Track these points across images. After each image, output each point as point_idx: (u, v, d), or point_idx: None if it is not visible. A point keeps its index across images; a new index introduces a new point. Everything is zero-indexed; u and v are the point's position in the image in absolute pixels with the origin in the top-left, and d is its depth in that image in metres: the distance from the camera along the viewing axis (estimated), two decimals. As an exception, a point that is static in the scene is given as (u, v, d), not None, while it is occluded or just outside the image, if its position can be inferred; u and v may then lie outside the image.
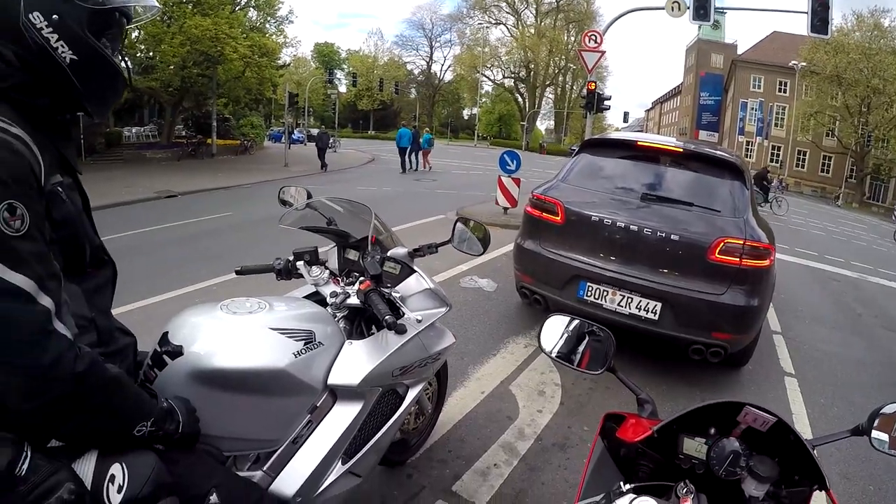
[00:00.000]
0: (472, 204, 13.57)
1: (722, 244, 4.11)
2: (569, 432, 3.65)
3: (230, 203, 13.78)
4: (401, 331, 2.00)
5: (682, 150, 4.78)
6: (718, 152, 4.88)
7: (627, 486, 1.36)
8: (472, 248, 2.75)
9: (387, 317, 1.97)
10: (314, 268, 2.46)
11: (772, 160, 46.29)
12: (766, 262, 4.21)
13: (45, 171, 1.27)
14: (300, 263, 2.46)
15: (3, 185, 1.13)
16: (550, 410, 3.92)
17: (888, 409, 1.36)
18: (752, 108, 47.03)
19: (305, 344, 1.91)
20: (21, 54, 1.27)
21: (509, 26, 74.56)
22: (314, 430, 1.99)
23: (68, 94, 1.36)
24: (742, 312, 4.14)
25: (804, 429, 3.75)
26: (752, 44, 56.17)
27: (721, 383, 4.54)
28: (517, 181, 11.69)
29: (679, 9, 13.72)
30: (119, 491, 1.28)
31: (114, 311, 1.60)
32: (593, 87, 14.93)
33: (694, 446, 1.40)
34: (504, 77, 77.67)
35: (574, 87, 73.18)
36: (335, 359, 2.03)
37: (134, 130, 28.96)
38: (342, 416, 2.03)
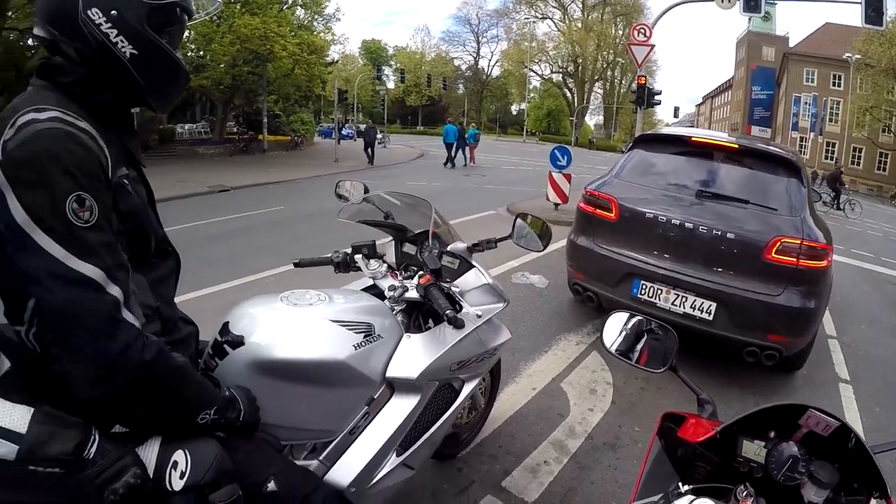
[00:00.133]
0: (523, 200, 13.47)
1: (779, 243, 3.99)
2: (619, 432, 3.60)
3: (282, 197, 14.00)
4: (460, 325, 1.98)
5: (737, 146, 4.66)
6: (774, 148, 4.74)
7: (686, 487, 1.33)
8: (533, 244, 2.71)
9: (447, 311, 1.96)
10: (372, 261, 2.47)
11: (826, 157, 44.70)
12: (824, 263, 4.07)
13: (111, 163, 1.29)
14: (358, 257, 2.48)
15: (71, 178, 1.16)
16: (602, 409, 3.87)
17: None
18: (806, 103, 45.54)
19: (365, 336, 1.92)
20: (81, 50, 1.30)
21: (556, 21, 73.99)
22: (371, 421, 1.99)
23: (130, 88, 1.38)
24: (798, 315, 4.01)
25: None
26: (804, 36, 53.84)
27: (774, 388, 4.40)
28: (568, 177, 11.58)
29: (729, 0, 13.39)
30: (181, 477, 1.30)
31: (170, 301, 1.63)
32: (643, 82, 14.73)
33: (753, 449, 1.36)
34: (552, 72, 77.22)
35: (623, 82, 72.30)
36: (394, 352, 2.04)
37: (186, 127, 29.79)
38: (399, 409, 2.04)
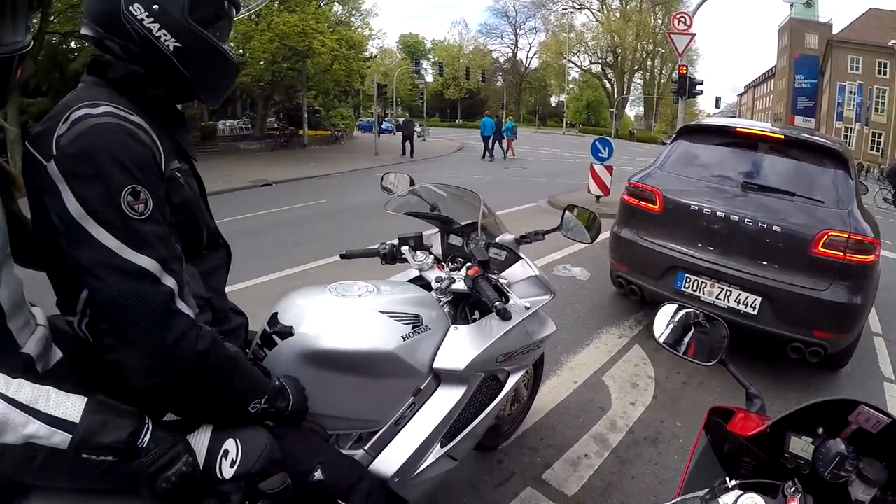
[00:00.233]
0: (564, 192, 13.41)
1: (825, 237, 3.88)
2: (661, 426, 3.56)
3: (323, 191, 14.16)
4: (508, 317, 1.97)
5: (782, 136, 4.56)
6: (820, 139, 4.60)
7: (733, 483, 1.32)
8: (581, 236, 2.70)
9: (496, 303, 1.95)
10: (419, 253, 2.48)
11: (872, 148, 43.28)
12: (871, 258, 3.94)
13: (164, 156, 1.31)
14: (405, 248, 2.49)
15: (126, 171, 1.18)
16: (643, 403, 3.84)
17: None
18: (851, 92, 44.20)
19: (413, 328, 1.92)
20: (126, 46, 1.32)
21: (594, 10, 73.22)
22: (417, 412, 2.00)
23: (180, 82, 1.39)
24: (844, 310, 3.89)
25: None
26: (847, 22, 52.09)
27: (817, 385, 4.28)
28: (609, 169, 11.43)
29: (770, -14, 13.04)
30: (232, 465, 1.31)
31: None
32: (685, 71, 14.48)
33: (801, 445, 1.33)
34: (591, 63, 76.50)
35: (663, 72, 71.25)
36: (441, 343, 2.04)
37: (228, 123, 30.18)
38: (445, 400, 2.04)
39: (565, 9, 73.50)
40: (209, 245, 1.55)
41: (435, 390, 2.05)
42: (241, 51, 24.74)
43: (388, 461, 1.92)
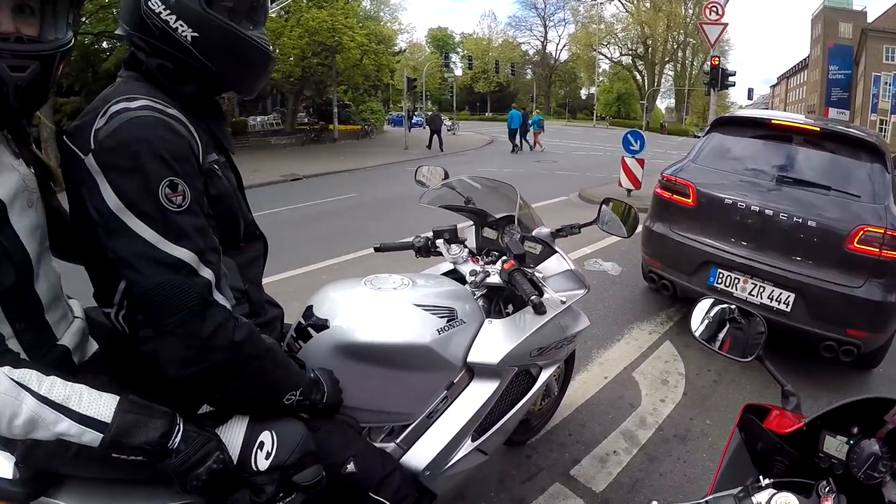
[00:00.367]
0: (594, 186, 13.30)
1: (861, 233, 3.76)
2: (690, 424, 3.51)
3: (353, 185, 14.23)
4: (542, 311, 1.97)
5: (818, 128, 4.42)
6: (856, 132, 4.48)
7: (767, 481, 1.30)
8: (617, 230, 2.66)
9: (532, 297, 1.94)
10: (453, 246, 2.47)
11: (908, 141, 42.17)
12: None
13: (201, 149, 1.32)
14: (440, 241, 2.49)
15: (164, 163, 1.19)
16: (673, 400, 3.79)
17: None
18: (886, 83, 43.02)
19: (448, 321, 1.93)
20: (150, 42, 1.33)
21: (624, 1, 72.39)
22: (449, 406, 2.00)
23: (208, 74, 1.38)
24: (879, 309, 3.78)
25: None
26: (883, 10, 50.27)
27: (849, 385, 4.16)
28: (641, 162, 11.26)
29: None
30: (267, 457, 1.32)
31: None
32: (717, 62, 14.18)
33: (835, 445, 1.30)
34: (621, 54, 75.92)
35: (694, 63, 70.26)
36: (475, 337, 2.04)
37: (258, 119, 30.54)
38: (478, 394, 2.04)
39: (594, 0, 72.92)
40: (246, 237, 1.56)
41: (468, 384, 2.04)
42: (271, 47, 24.99)
43: (420, 455, 1.92)
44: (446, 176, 2.80)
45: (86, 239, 1.29)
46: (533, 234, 2.48)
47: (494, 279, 2.22)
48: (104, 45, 20.52)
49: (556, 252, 2.49)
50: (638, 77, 74.95)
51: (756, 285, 4.13)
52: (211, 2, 1.32)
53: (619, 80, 77.85)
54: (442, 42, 79.43)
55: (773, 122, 4.62)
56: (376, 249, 2.66)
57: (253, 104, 32.15)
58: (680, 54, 72.19)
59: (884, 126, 44.29)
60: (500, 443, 2.36)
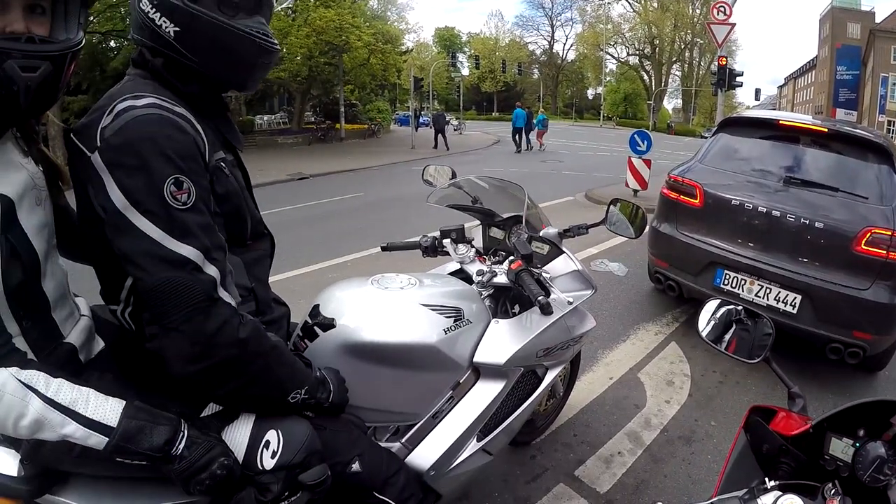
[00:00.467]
0: (601, 186, 13.24)
1: (869, 234, 3.74)
2: (695, 426, 3.49)
3: (360, 184, 14.22)
4: (549, 312, 1.96)
5: (825, 129, 4.40)
6: (864, 133, 4.46)
7: (772, 483, 1.30)
8: (625, 230, 2.64)
9: (539, 297, 1.93)
10: (460, 246, 2.47)
11: (915, 143, 41.79)
12: None
13: (208, 147, 1.32)
14: (447, 241, 2.49)
15: (169, 161, 1.19)
16: (678, 402, 3.77)
17: None
18: (894, 84, 42.70)
19: (455, 321, 1.93)
20: (146, 42, 1.35)
21: (631, 1, 72.29)
22: (455, 406, 2.00)
23: (200, 71, 1.37)
24: (887, 311, 3.75)
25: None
26: (891, 10, 50.16)
27: (855, 387, 4.13)
28: (648, 162, 11.23)
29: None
30: (273, 457, 1.33)
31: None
32: (724, 63, 14.13)
33: (840, 447, 1.30)
34: (628, 54, 75.75)
35: (702, 64, 70.08)
36: (481, 337, 2.04)
37: (265, 118, 30.56)
38: (483, 394, 2.03)
39: (602, 0, 72.81)
40: (253, 235, 1.56)
41: (474, 384, 2.04)
42: (269, 37, 25.09)
43: (425, 454, 1.92)
44: (454, 175, 2.80)
45: (92, 236, 1.30)
46: (540, 234, 2.48)
47: (501, 279, 2.22)
48: (112, 43, 20.65)
49: (564, 252, 2.49)
50: (645, 77, 74.87)
51: (762, 286, 4.11)
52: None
53: (626, 80, 77.76)
54: (449, 41, 79.49)
55: (780, 122, 4.60)
56: (383, 249, 2.65)
57: (260, 103, 32.20)
58: (687, 54, 72.07)
59: (891, 127, 44.04)
60: (506, 443, 2.37)
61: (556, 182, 14.85)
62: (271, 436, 1.36)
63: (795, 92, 75.76)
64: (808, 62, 68.25)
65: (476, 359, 2.00)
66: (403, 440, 1.92)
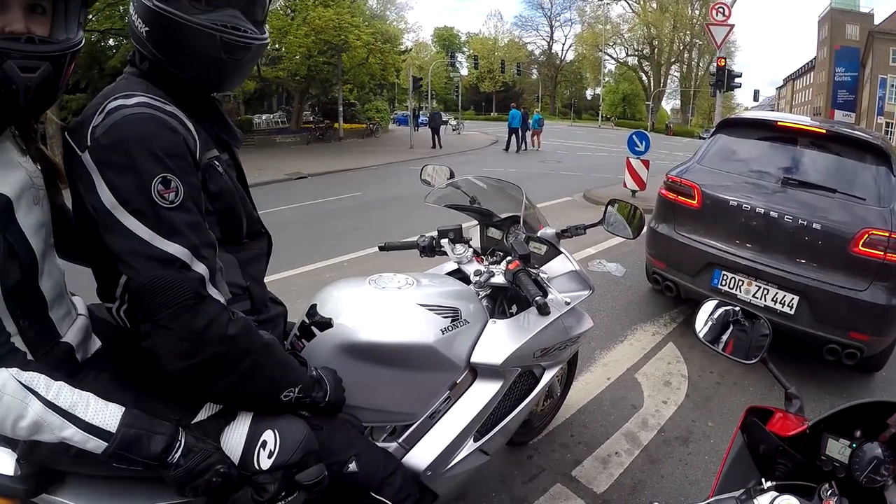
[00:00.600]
0: (599, 186, 13.27)
1: (866, 236, 3.75)
2: (693, 426, 3.50)
3: (358, 184, 14.22)
4: (546, 312, 1.95)
5: (824, 130, 4.40)
6: (862, 134, 4.47)
7: (769, 484, 1.30)
8: (623, 231, 2.64)
9: (537, 298, 1.92)
10: (458, 246, 2.46)
11: (913, 145, 41.82)
12: None
13: (199, 145, 1.33)
14: (444, 241, 2.48)
15: (157, 160, 1.20)
16: (675, 402, 3.78)
17: None
18: (893, 85, 42.69)
19: (452, 321, 1.92)
20: (135, 44, 1.37)
21: (630, 2, 72.37)
22: (452, 406, 2.00)
23: (169, 69, 1.37)
24: (883, 312, 3.76)
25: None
26: (890, 12, 49.85)
27: (852, 388, 4.14)
28: (646, 163, 11.25)
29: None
30: (270, 457, 1.33)
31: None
32: (723, 64, 14.17)
33: (837, 448, 1.30)
34: (627, 55, 75.84)
35: (700, 64, 70.14)
36: (479, 337, 2.03)
37: (264, 117, 30.53)
38: (480, 395, 2.03)
39: (601, 0, 72.83)
40: (250, 234, 1.56)
41: (471, 384, 2.04)
42: (277, 45, 25.07)
43: (422, 454, 1.92)
44: (452, 175, 2.80)
45: (88, 235, 1.30)
46: (538, 234, 2.47)
47: (499, 279, 2.22)
48: (111, 42, 20.59)
49: (561, 253, 2.48)
50: (644, 78, 74.98)
51: (760, 287, 4.12)
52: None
53: (624, 80, 77.81)
54: (448, 41, 79.44)
55: (778, 123, 4.61)
56: (381, 248, 2.65)
57: (258, 102, 32.17)
58: (686, 55, 72.13)
59: (890, 129, 44.04)
60: (503, 443, 2.37)
61: (554, 182, 14.88)
62: (268, 436, 1.36)
63: (794, 93, 75.85)
64: (807, 64, 68.33)
65: (473, 359, 2.00)
66: (400, 440, 1.92)
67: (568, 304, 2.27)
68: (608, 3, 72.51)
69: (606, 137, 37.37)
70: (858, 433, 1.30)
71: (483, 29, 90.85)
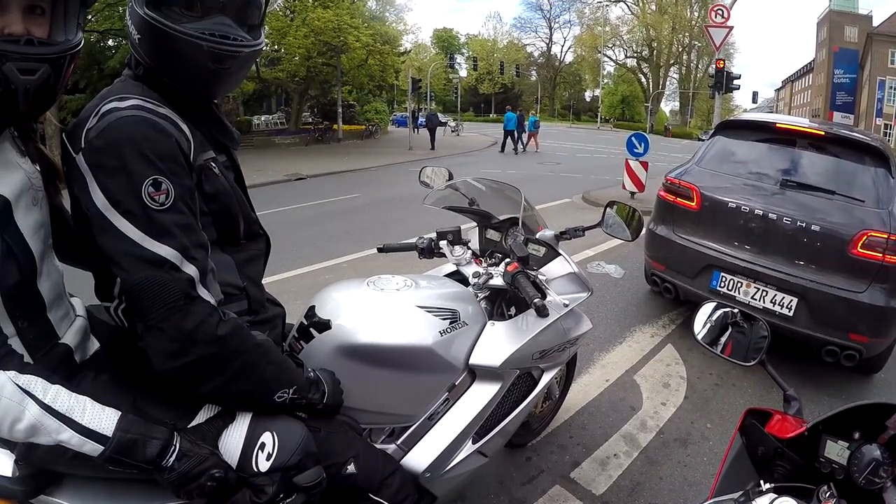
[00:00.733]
0: (598, 188, 13.28)
1: (865, 237, 3.75)
2: (691, 428, 3.50)
3: (357, 185, 14.23)
4: (545, 314, 1.94)
5: (822, 132, 4.40)
6: (861, 136, 4.47)
7: (767, 486, 1.30)
8: (622, 233, 2.62)
9: (536, 299, 1.92)
10: (457, 247, 2.46)
11: (912, 146, 41.93)
12: None
13: (194, 147, 1.34)
14: (443, 243, 2.48)
15: (148, 162, 1.20)
16: (674, 404, 3.78)
17: None
18: (891, 87, 42.80)
19: (450, 323, 1.92)
20: (132, 50, 1.38)
21: (629, 3, 72.46)
22: (450, 408, 1.99)
23: (160, 76, 1.37)
24: (882, 314, 3.76)
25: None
26: (888, 14, 49.89)
27: (851, 390, 4.13)
28: (645, 165, 11.26)
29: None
30: (268, 459, 1.33)
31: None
32: (722, 66, 14.16)
33: (836, 450, 1.31)
34: (626, 57, 75.93)
35: (699, 66, 70.23)
36: (477, 339, 2.03)
37: (263, 118, 30.57)
38: (479, 396, 2.03)
39: (600, 2, 73.01)
40: (248, 235, 1.56)
41: (469, 386, 2.04)
42: (276, 47, 25.09)
43: (420, 456, 1.92)
44: (450, 177, 2.79)
45: (85, 235, 1.30)
46: (537, 236, 2.48)
47: (497, 281, 2.21)
48: (110, 42, 20.60)
49: (560, 254, 2.49)
50: (643, 79, 75.15)
51: (759, 289, 4.12)
52: (150, 2, 1.30)
53: (623, 82, 77.95)
54: (447, 43, 79.59)
55: (777, 125, 4.62)
56: (379, 250, 2.64)
57: (258, 103, 32.20)
58: (685, 57, 72.26)
59: (888, 131, 44.11)
60: (501, 445, 2.36)
61: (552, 184, 14.88)
62: (266, 438, 1.36)
63: (793, 95, 75.92)
64: (806, 65, 68.41)
65: (472, 361, 2.00)
66: (399, 442, 1.92)
67: (567, 305, 2.27)
68: (607, 5, 72.75)
69: (605, 139, 37.40)
70: (857, 435, 1.30)
71: (482, 30, 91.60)
